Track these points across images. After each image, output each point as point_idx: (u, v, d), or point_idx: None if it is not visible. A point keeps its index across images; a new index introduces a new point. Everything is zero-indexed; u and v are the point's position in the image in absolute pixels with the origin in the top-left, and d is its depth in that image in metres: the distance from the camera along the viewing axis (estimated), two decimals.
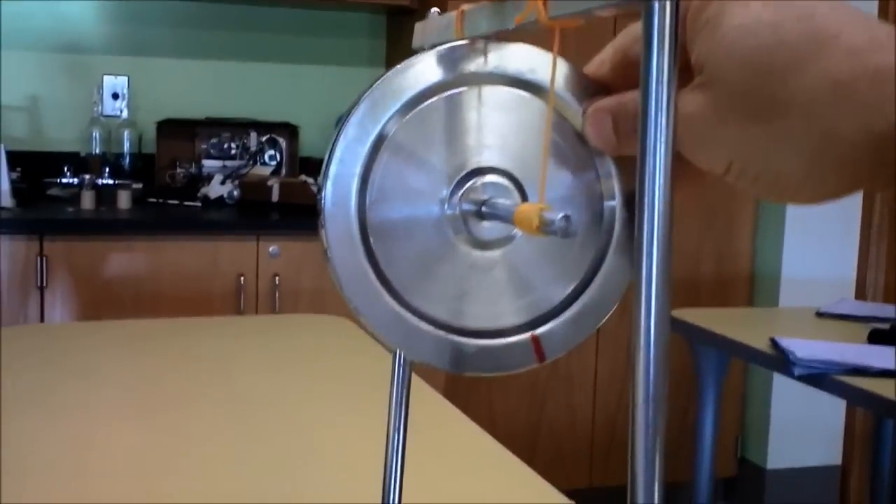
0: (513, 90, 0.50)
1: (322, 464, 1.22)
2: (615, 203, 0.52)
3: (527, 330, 0.53)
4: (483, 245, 0.51)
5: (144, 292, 2.94)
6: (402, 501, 0.62)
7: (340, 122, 0.49)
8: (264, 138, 3.56)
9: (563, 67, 0.51)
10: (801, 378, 2.14)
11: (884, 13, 3.60)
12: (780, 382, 3.59)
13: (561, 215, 0.44)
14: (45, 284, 2.85)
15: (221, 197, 3.34)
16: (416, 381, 1.57)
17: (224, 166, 3.48)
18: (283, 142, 3.59)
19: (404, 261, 0.50)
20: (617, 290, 0.53)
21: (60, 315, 2.87)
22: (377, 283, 0.50)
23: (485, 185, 0.50)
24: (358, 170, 0.49)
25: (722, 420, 3.31)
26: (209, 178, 3.40)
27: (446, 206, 0.50)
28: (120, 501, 1.08)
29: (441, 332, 0.51)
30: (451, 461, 1.26)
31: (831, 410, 3.65)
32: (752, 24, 0.41)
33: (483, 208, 0.50)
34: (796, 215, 3.56)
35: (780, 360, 2.21)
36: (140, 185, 3.35)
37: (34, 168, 3.34)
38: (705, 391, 2.67)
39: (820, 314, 2.73)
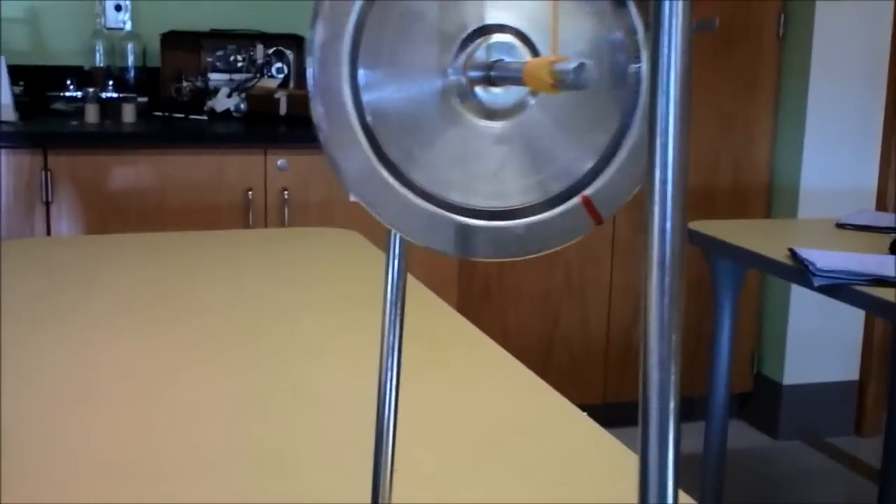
0: None
1: (329, 373, 1.18)
2: (641, 65, 0.46)
3: (546, 209, 0.47)
4: (494, 114, 0.45)
5: (150, 206, 2.89)
6: (402, 413, 0.57)
7: None
8: (271, 50, 3.48)
9: None
10: (820, 289, 2.09)
11: None
12: (797, 296, 3.54)
13: (574, 64, 0.38)
14: (50, 199, 2.81)
15: (228, 110, 3.28)
16: (427, 294, 1.53)
17: (230, 79, 3.41)
18: (290, 54, 3.51)
19: (406, 137, 0.44)
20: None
21: (67, 229, 2.83)
22: (378, 165, 0.44)
23: (492, 45, 0.44)
24: (347, 38, 0.43)
25: (738, 335, 3.27)
26: (215, 91, 3.34)
27: (450, 72, 0.44)
28: (125, 409, 1.05)
29: (447, 213, 0.46)
30: (457, 371, 1.22)
31: (850, 324, 3.61)
32: None
33: (491, 73, 0.44)
34: (816, 124, 3.47)
35: (800, 271, 2.16)
36: (145, 99, 3.29)
37: (37, 82, 3.28)
38: (722, 304, 2.63)
39: (840, 225, 2.67)
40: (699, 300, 3.44)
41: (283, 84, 3.47)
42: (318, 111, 0.44)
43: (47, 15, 3.42)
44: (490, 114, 0.46)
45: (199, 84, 3.40)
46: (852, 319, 3.58)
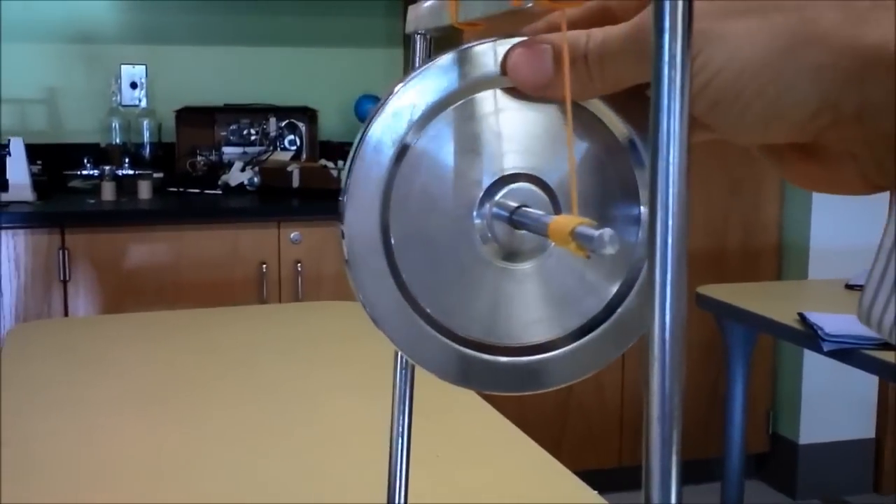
0: None
1: (341, 453, 1.20)
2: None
3: (560, 346, 0.50)
4: (514, 256, 0.48)
5: (167, 282, 2.93)
6: (412, 496, 0.59)
7: (357, 137, 0.47)
8: (283, 123, 3.54)
9: None
10: (830, 354, 2.11)
11: None
12: (810, 355, 3.54)
13: (599, 233, 0.40)
14: (67, 277, 2.85)
15: (242, 184, 3.33)
16: None
17: (244, 153, 3.47)
18: (302, 126, 3.57)
19: (429, 274, 0.47)
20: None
21: (84, 307, 2.87)
22: (401, 298, 0.47)
23: (513, 191, 0.47)
24: (379, 184, 0.46)
25: (753, 394, 3.27)
26: (229, 164, 3.39)
27: (475, 216, 0.47)
28: (142, 495, 1.07)
29: (468, 350, 0.49)
30: (469, 450, 1.24)
31: (864, 381, 3.60)
32: None
33: (513, 217, 0.47)
34: None
35: (809, 336, 2.18)
36: (160, 175, 3.34)
37: (54, 160, 3.34)
38: (734, 367, 2.64)
39: (849, 286, 2.69)
40: (712, 361, 3.45)
41: (296, 156, 3.53)
42: (347, 250, 0.47)
43: (65, 95, 3.49)
44: (510, 256, 0.49)
45: (213, 158, 3.45)
46: (867, 377, 3.57)
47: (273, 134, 3.51)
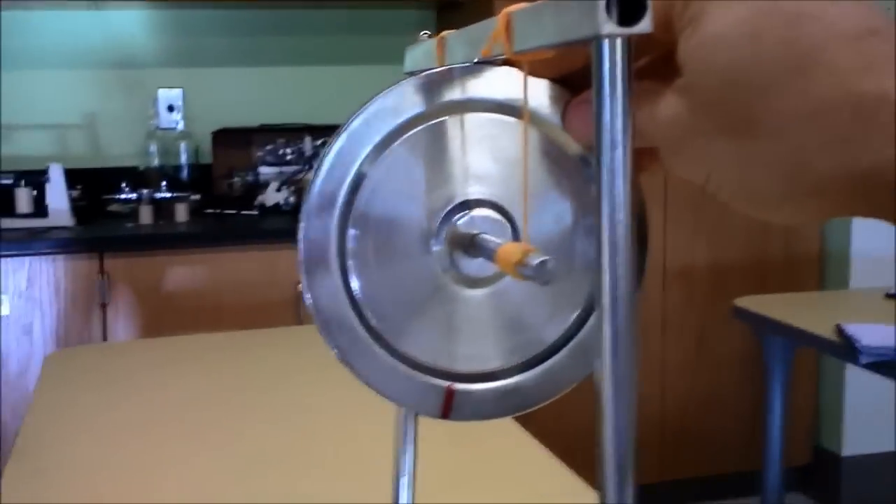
0: (500, 117, 0.47)
1: (376, 478, 1.20)
2: None
3: (516, 373, 0.50)
4: (474, 283, 0.48)
5: (205, 305, 2.96)
6: None
7: (316, 164, 0.47)
8: (319, 142, 3.56)
9: (547, 90, 0.47)
10: (868, 366, 2.08)
11: None
12: (853, 366, 3.50)
13: (538, 260, 0.41)
14: (107, 302, 2.88)
15: (278, 204, 3.35)
16: None
17: (280, 172, 3.49)
18: None
19: (390, 301, 0.48)
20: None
21: (123, 331, 2.90)
22: (360, 327, 0.48)
23: (474, 218, 0.47)
24: (337, 207, 0.47)
25: (795, 407, 3.24)
26: (266, 185, 3.41)
27: (433, 242, 0.47)
28: None
29: (427, 377, 0.49)
30: (502, 478, 1.23)
31: None
32: (730, 32, 0.37)
33: (471, 246, 0.47)
34: None
35: (848, 348, 2.15)
36: (198, 197, 3.37)
37: (94, 184, 3.37)
38: (773, 379, 2.62)
39: (889, 295, 2.65)
40: (755, 372, 3.42)
41: None
42: (306, 282, 0.48)
43: (103, 119, 3.54)
44: (471, 283, 0.49)
45: (249, 179, 3.48)
46: None
47: (309, 153, 3.53)
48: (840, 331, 2.22)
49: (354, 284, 0.47)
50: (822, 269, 3.57)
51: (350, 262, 0.47)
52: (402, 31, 3.77)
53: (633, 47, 0.34)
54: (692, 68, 0.38)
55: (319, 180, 0.47)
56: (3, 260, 2.82)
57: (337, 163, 0.47)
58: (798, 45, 0.36)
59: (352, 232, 0.47)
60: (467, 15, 3.40)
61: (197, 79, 3.60)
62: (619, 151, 0.34)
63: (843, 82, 0.35)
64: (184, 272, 2.95)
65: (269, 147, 3.52)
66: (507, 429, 1.37)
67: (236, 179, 3.48)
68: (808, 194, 0.38)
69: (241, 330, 2.13)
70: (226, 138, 3.50)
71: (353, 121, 0.47)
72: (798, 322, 2.41)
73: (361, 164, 0.47)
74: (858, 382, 3.51)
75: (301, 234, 0.47)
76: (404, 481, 0.60)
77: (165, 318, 2.92)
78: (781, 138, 0.37)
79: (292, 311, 3.00)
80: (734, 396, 3.47)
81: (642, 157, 0.45)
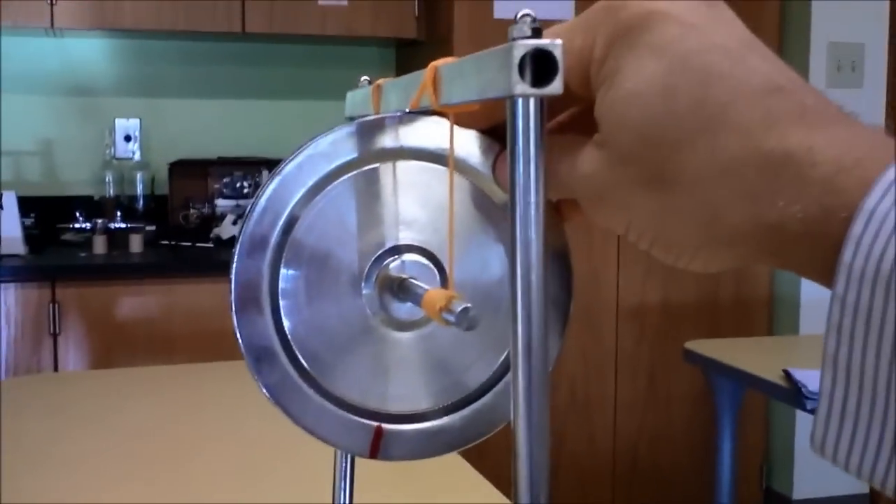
0: (431, 165, 0.48)
1: None
2: None
3: (445, 414, 0.51)
4: (403, 326, 0.49)
5: (158, 335, 2.94)
6: None
7: (249, 206, 0.48)
8: None
9: (476, 140, 0.48)
10: (814, 412, 2.10)
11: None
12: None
13: (461, 307, 0.42)
14: (58, 331, 2.86)
15: (233, 237, 3.33)
16: None
17: (237, 205, 3.48)
18: None
19: (320, 342, 0.48)
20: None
21: (74, 361, 2.87)
22: (290, 367, 0.48)
23: (404, 263, 0.48)
24: (270, 248, 0.47)
25: (745, 449, 3.26)
26: (222, 217, 3.40)
27: (363, 285, 0.48)
28: None
29: (356, 417, 0.50)
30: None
31: None
32: (644, 90, 0.38)
33: (400, 290, 0.48)
34: None
35: (794, 393, 2.17)
36: (153, 228, 3.35)
37: (48, 212, 3.35)
38: (722, 421, 2.63)
39: None
40: (706, 414, 3.44)
41: None
42: (236, 321, 0.48)
43: (59, 147, 3.52)
44: (400, 326, 0.50)
45: (205, 211, 3.47)
46: None
47: None
48: (787, 375, 2.24)
49: (286, 324, 0.48)
50: (771, 314, 3.61)
51: (282, 303, 0.48)
52: (362, 67, 3.79)
53: (547, 106, 0.35)
54: (608, 124, 0.39)
55: (251, 223, 0.48)
56: None
57: (269, 207, 0.47)
58: (707, 104, 0.37)
59: (284, 272, 0.48)
60: (427, 53, 3.42)
61: (155, 109, 3.59)
62: (533, 205, 0.35)
63: (750, 140, 0.36)
64: (137, 302, 2.93)
65: (225, 180, 3.52)
66: (452, 463, 1.38)
67: (192, 211, 3.47)
68: (721, 244, 0.39)
69: (193, 363, 2.12)
70: (183, 170, 3.49)
71: (286, 165, 0.48)
72: (747, 366, 2.43)
73: (294, 207, 0.48)
74: (808, 425, 3.53)
75: (233, 275, 0.48)
76: None
77: (117, 348, 2.90)
78: (694, 192, 0.38)
79: None
80: (685, 435, 3.49)
81: (566, 208, 0.46)
